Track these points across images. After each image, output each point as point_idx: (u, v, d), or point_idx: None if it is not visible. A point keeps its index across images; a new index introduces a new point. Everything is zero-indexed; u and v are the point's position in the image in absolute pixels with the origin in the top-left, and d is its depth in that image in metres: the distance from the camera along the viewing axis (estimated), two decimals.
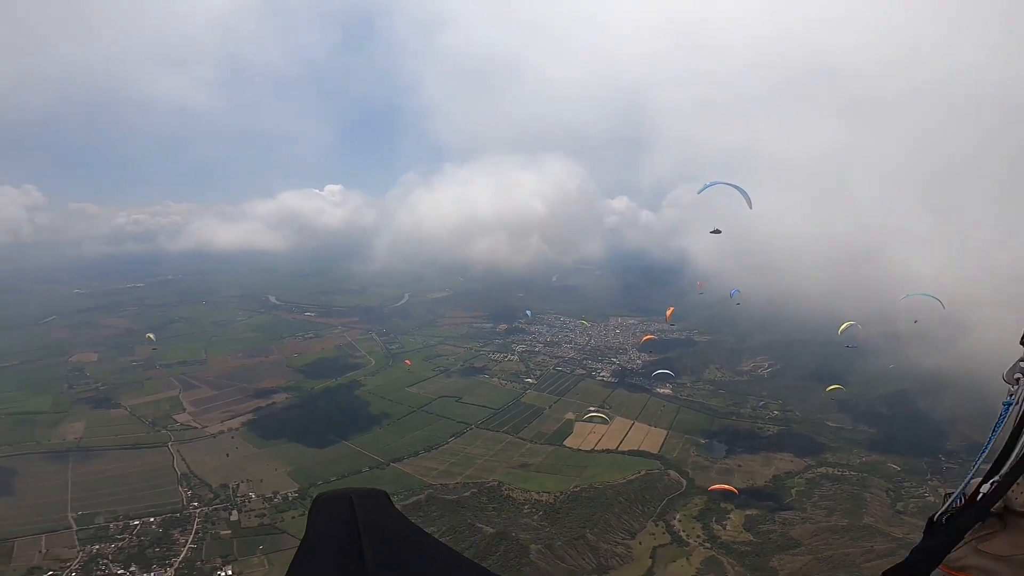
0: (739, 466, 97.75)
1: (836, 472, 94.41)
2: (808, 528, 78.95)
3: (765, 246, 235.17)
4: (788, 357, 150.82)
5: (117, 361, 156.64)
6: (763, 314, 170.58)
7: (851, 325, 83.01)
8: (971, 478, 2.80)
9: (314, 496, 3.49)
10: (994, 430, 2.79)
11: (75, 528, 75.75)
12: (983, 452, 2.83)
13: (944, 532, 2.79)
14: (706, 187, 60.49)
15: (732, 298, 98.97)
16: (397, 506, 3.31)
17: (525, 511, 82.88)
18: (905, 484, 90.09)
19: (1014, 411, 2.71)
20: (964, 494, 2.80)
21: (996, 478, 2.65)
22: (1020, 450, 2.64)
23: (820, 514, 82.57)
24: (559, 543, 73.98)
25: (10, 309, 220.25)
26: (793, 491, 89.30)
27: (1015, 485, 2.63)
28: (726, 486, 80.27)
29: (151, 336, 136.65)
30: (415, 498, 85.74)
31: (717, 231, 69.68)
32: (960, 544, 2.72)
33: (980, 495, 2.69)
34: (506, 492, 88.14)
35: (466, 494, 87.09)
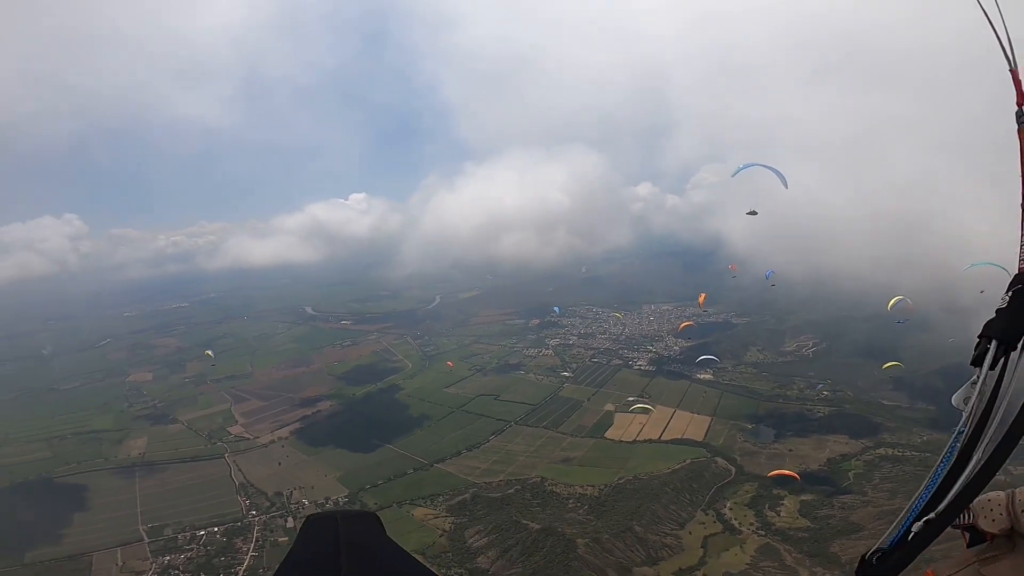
0: (790, 450, 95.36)
1: (896, 453, 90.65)
2: (870, 512, 76.04)
3: (805, 224, 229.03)
4: (834, 335, 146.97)
5: (170, 379, 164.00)
6: (804, 293, 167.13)
7: (901, 300, 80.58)
8: (911, 520, 2.60)
9: (305, 516, 3.80)
10: (941, 464, 2.66)
11: (147, 540, 79.93)
12: (928, 489, 2.64)
13: (874, 572, 2.62)
14: (740, 170, 59.88)
15: (767, 279, 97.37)
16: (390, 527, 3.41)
17: (570, 506, 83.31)
18: None
19: (962, 439, 2.63)
20: (904, 531, 2.61)
21: (931, 515, 2.51)
22: (960, 487, 2.51)
23: (882, 497, 79.50)
24: (606, 536, 73.87)
25: (67, 335, 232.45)
26: (851, 474, 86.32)
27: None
28: (787, 471, 77.83)
29: (209, 353, 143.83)
30: (460, 498, 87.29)
31: (753, 212, 68.88)
32: (962, 567, 2.62)
33: (912, 534, 2.53)
34: (549, 487, 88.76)
35: (510, 491, 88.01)
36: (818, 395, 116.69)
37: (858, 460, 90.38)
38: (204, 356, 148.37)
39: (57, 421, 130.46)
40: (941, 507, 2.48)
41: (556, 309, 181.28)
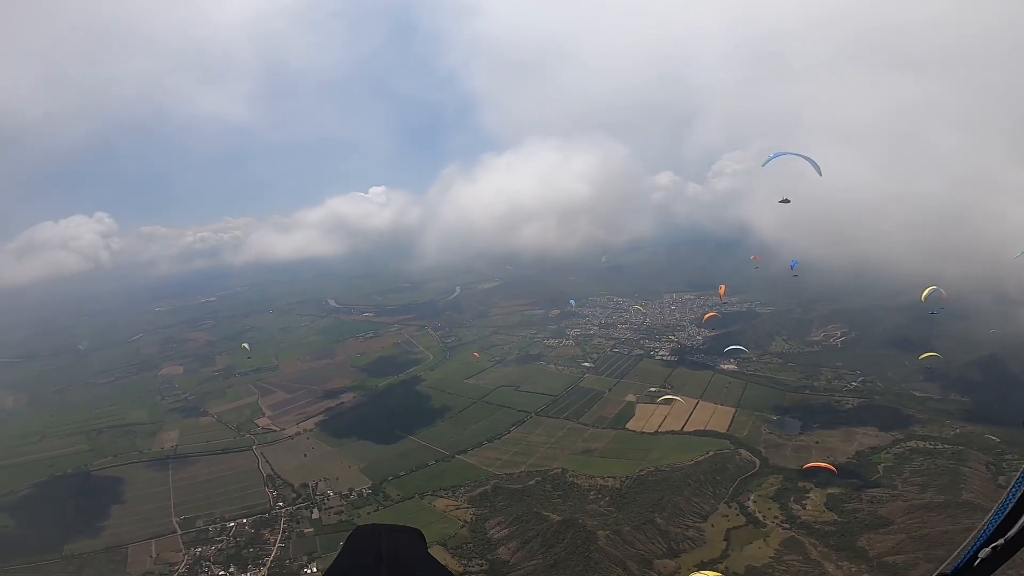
0: (817, 442, 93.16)
1: (928, 446, 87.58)
2: (899, 506, 73.90)
3: (839, 211, 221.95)
4: (864, 324, 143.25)
5: (201, 372, 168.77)
6: (836, 282, 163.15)
7: (935, 290, 77.79)
8: (979, 545, 2.54)
9: (355, 526, 3.95)
10: (1013, 489, 2.55)
11: (179, 532, 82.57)
12: (997, 515, 2.55)
13: None
14: (771, 159, 58.62)
15: (792, 270, 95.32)
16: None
17: (591, 497, 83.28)
18: (1007, 456, 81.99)
19: None
20: (969, 556, 2.55)
21: (1000, 542, 2.45)
22: None
23: (912, 491, 77.04)
24: (627, 528, 73.62)
25: (101, 331, 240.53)
26: (880, 467, 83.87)
27: None
28: (823, 464, 75.47)
29: (246, 346, 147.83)
30: (481, 489, 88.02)
31: (786, 200, 67.56)
32: None
33: (979, 560, 2.48)
34: (570, 479, 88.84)
35: (531, 483, 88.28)
36: (846, 386, 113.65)
37: (888, 453, 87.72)
38: (234, 349, 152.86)
39: (94, 415, 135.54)
40: (1011, 533, 2.36)
41: (572, 302, 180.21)
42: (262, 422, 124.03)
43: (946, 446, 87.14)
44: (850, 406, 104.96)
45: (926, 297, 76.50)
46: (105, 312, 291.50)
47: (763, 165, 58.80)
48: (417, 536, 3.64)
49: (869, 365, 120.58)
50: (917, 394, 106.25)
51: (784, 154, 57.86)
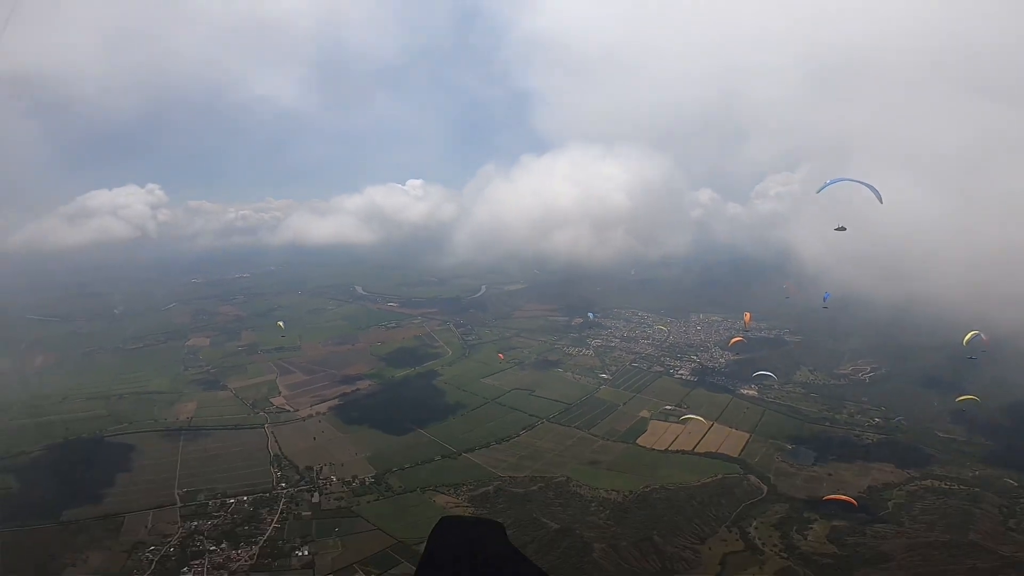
0: (829, 474, 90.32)
1: (944, 486, 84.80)
2: (902, 543, 71.97)
3: (893, 243, 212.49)
4: (896, 361, 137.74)
5: (226, 346, 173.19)
6: (876, 316, 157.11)
7: (976, 334, 76.89)
8: None
9: (440, 517, 4.22)
10: None
11: (179, 504, 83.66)
12: None
13: None
14: (827, 185, 57.51)
15: (823, 302, 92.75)
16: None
17: (592, 509, 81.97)
18: (1022, 500, 79.71)
19: None
20: None
21: None
22: None
23: (919, 529, 74.91)
24: (624, 543, 72.53)
25: (138, 297, 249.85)
26: (890, 503, 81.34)
27: None
28: (843, 496, 74.50)
29: (281, 324, 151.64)
30: (483, 489, 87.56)
31: (842, 228, 65.90)
32: None
33: None
34: (574, 488, 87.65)
35: (533, 488, 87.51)
36: (868, 421, 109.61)
37: (901, 490, 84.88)
38: (260, 326, 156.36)
39: (118, 380, 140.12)
40: None
41: (591, 314, 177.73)
42: (277, 401, 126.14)
43: (962, 487, 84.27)
44: (869, 441, 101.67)
45: (968, 341, 74.00)
46: (144, 280, 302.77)
47: (818, 191, 58.17)
48: (499, 529, 3.79)
49: (896, 402, 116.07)
50: (941, 434, 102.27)
51: (843, 180, 56.98)
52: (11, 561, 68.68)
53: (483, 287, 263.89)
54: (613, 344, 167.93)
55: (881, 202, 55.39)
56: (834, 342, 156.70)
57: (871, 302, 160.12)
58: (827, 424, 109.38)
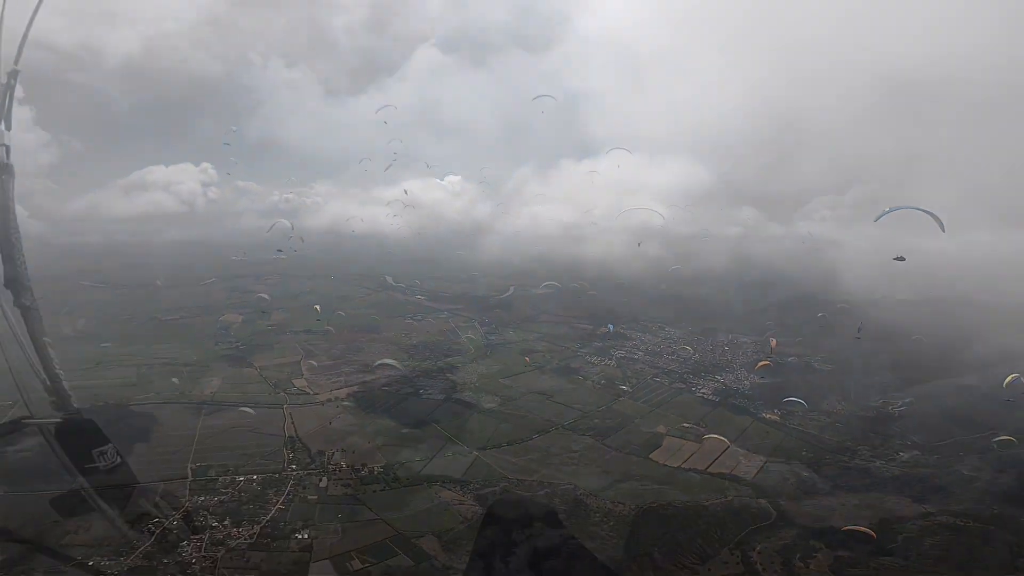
0: (842, 504, 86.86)
1: (959, 522, 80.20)
2: None
3: (949, 277, 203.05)
4: (931, 399, 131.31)
5: (256, 323, 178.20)
6: (918, 350, 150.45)
7: (1017, 377, 75.26)
8: None
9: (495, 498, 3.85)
10: None
11: (189, 479, 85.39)
12: None
13: None
14: (885, 213, 55.84)
15: (857, 333, 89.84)
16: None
17: (595, 520, 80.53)
18: None
19: None
20: None
21: None
22: None
23: (926, 563, 71.78)
24: (621, 556, 71.43)
25: (181, 270, 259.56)
26: (900, 537, 77.46)
27: None
28: (863, 528, 72.88)
29: (318, 307, 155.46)
30: (489, 489, 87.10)
31: (901, 258, 64.00)
32: None
33: None
34: (580, 497, 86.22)
35: (540, 493, 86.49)
36: (892, 455, 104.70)
37: (914, 524, 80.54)
38: (291, 307, 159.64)
39: (151, 349, 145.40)
40: None
41: (611, 326, 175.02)
42: (299, 382, 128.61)
43: (978, 525, 79.65)
44: (889, 474, 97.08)
45: (1008, 384, 70.84)
46: (188, 254, 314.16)
47: (876, 220, 56.49)
48: (553, 515, 3.73)
49: (924, 438, 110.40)
50: (965, 471, 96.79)
51: (903, 208, 55.25)
52: (14, 527, 70.02)
53: (511, 288, 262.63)
54: (636, 356, 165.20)
55: (944, 231, 54.23)
56: (867, 375, 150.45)
57: (915, 338, 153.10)
58: (847, 455, 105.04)
